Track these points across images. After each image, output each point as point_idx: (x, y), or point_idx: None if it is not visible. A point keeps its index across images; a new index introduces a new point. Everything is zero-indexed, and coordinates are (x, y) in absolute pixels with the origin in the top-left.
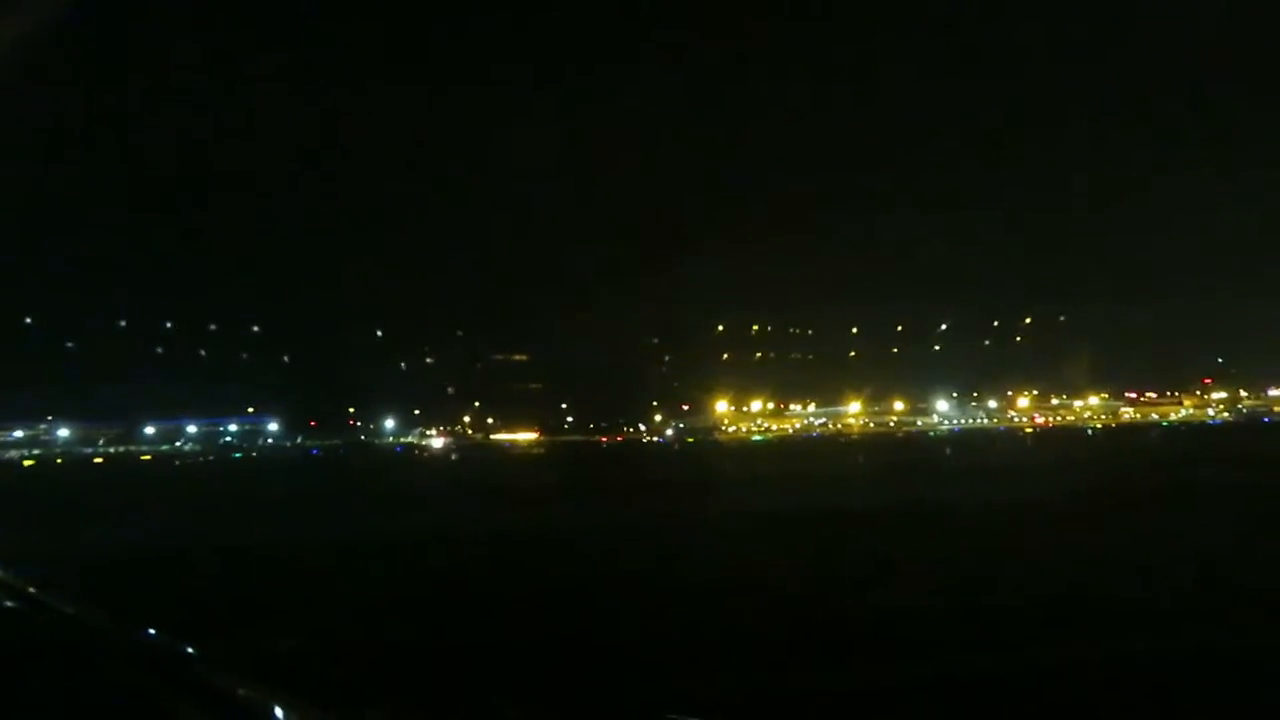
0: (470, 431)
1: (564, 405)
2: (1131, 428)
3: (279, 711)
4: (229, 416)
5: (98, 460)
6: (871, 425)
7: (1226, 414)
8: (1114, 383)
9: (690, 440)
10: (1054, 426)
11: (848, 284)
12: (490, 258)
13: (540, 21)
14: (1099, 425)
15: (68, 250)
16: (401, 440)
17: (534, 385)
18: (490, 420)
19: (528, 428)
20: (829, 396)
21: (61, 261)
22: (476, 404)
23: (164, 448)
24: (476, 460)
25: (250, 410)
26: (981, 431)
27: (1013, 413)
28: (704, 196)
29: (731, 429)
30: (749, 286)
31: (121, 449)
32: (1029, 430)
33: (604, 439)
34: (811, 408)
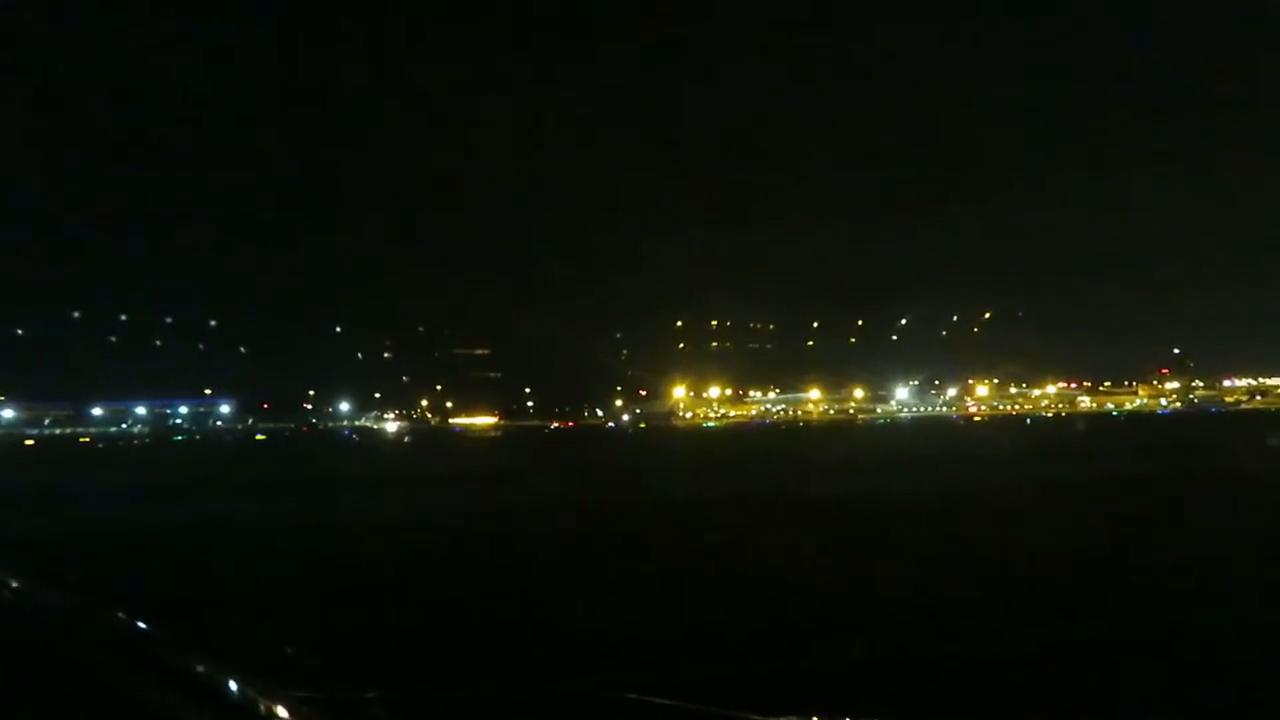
0: (429, 416)
1: (526, 391)
2: (1072, 417)
3: (234, 685)
4: (183, 399)
5: (28, 442)
6: (831, 412)
7: (1179, 404)
8: (1074, 372)
9: (642, 426)
10: (996, 415)
11: (812, 279)
12: (453, 253)
13: (500, 21)
14: (1048, 414)
15: (32, 238)
16: (355, 424)
17: (494, 373)
18: (450, 405)
19: (487, 413)
20: (789, 384)
21: (24, 249)
22: (438, 389)
23: (110, 429)
24: (416, 444)
25: (207, 393)
26: (922, 420)
27: (971, 401)
28: (668, 193)
29: (688, 415)
30: (713, 280)
31: (66, 430)
32: (972, 419)
33: (557, 424)
34: (772, 395)
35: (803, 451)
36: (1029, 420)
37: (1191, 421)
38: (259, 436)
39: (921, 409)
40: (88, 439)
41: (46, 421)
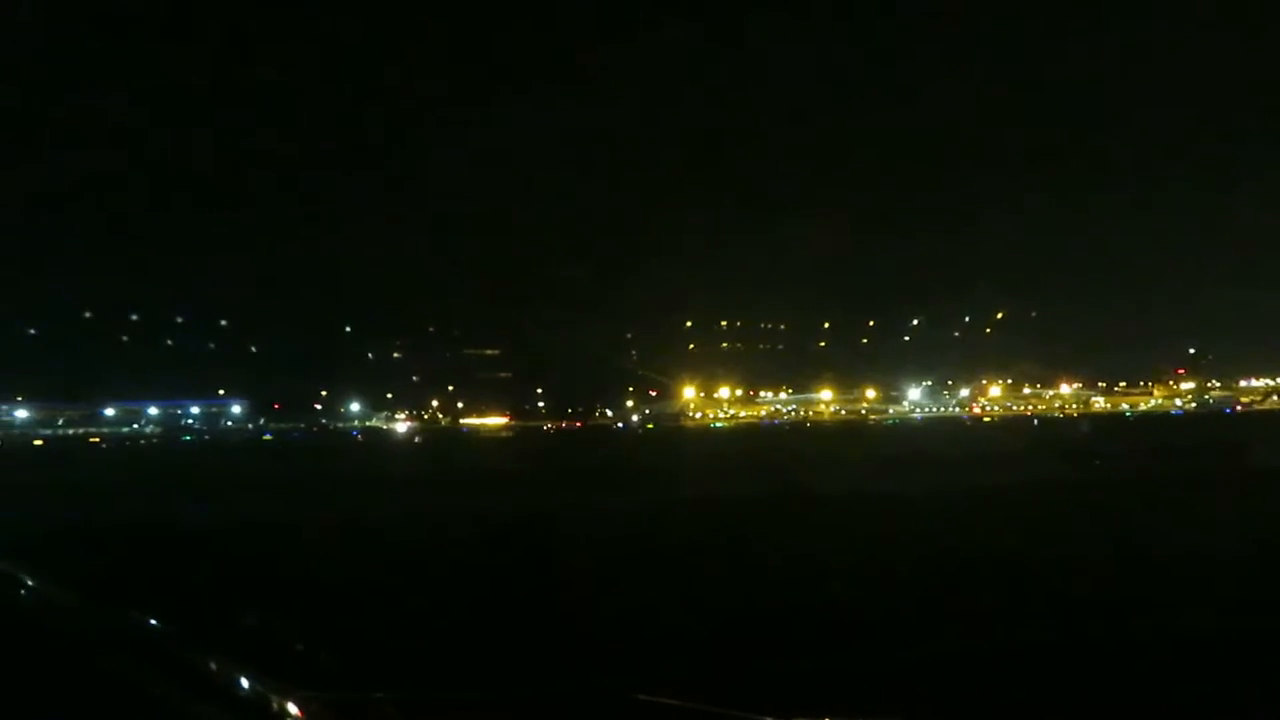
0: (440, 416)
1: (538, 391)
2: (1080, 417)
3: (245, 683)
4: (195, 399)
5: (37, 442)
6: (843, 413)
7: (1194, 404)
8: (1090, 373)
9: (650, 426)
10: (1007, 416)
11: (824, 280)
12: (464, 254)
13: (511, 31)
14: (1059, 415)
15: (42, 235)
16: (365, 424)
17: (504, 374)
18: (461, 405)
19: (498, 413)
20: (801, 385)
21: (35, 248)
22: (449, 389)
23: (122, 430)
24: (423, 444)
25: (220, 393)
26: (932, 420)
27: (984, 401)
28: (681, 191)
29: (698, 415)
30: (724, 281)
31: (79, 431)
32: (980, 420)
33: (565, 424)
34: (784, 395)
35: (795, 449)
36: (1036, 421)
37: (1199, 421)
38: (265, 437)
39: (933, 409)
40: (97, 439)
41: (60, 422)
